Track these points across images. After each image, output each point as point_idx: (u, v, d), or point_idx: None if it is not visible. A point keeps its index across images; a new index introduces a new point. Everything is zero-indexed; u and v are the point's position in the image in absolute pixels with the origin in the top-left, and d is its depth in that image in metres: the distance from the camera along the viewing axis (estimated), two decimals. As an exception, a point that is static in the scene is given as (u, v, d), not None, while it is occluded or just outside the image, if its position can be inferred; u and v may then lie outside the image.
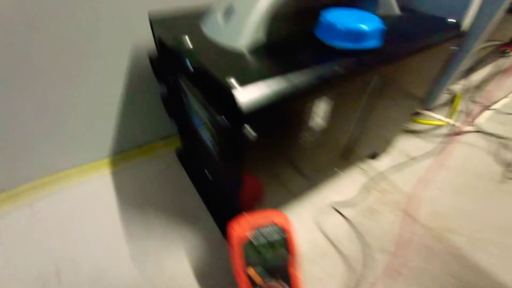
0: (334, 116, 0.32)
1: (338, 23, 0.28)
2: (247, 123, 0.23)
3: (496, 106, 0.68)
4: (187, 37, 0.29)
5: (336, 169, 0.48)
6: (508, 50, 0.71)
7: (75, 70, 0.41)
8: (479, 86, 0.57)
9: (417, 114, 0.63)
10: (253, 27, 0.27)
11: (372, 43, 0.29)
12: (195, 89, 0.28)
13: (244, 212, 0.34)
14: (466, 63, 0.49)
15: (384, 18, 0.31)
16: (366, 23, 0.28)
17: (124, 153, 0.55)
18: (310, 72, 0.25)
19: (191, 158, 0.52)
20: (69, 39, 0.38)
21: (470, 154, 0.59)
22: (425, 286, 0.38)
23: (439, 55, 0.40)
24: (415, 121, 0.63)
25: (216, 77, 0.23)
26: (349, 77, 0.29)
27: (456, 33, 0.39)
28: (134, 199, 0.48)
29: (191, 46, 0.28)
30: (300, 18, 0.37)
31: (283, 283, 0.31)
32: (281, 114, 0.26)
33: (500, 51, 0.71)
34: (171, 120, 0.44)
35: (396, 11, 0.40)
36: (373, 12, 0.35)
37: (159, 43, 0.36)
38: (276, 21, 0.31)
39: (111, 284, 0.37)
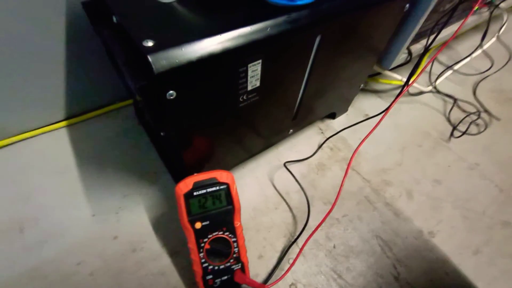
0: (276, 78, 0.33)
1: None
2: (162, 83, 0.23)
3: (456, 66, 0.69)
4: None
5: (291, 130, 0.49)
6: (478, 8, 0.70)
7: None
8: (442, 46, 0.58)
9: (378, 74, 0.64)
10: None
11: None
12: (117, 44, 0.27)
13: (193, 172, 0.36)
14: (425, 22, 0.48)
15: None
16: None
17: (83, 115, 0.54)
18: (240, 34, 0.25)
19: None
20: None
21: (424, 114, 0.62)
22: (359, 231, 0.43)
23: (389, 13, 0.39)
24: (376, 81, 0.64)
25: (131, 35, 0.23)
26: (283, 38, 0.28)
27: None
28: (93, 157, 0.48)
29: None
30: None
31: (229, 235, 0.35)
32: (208, 77, 0.26)
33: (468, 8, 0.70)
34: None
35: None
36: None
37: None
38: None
39: (72, 240, 0.40)
